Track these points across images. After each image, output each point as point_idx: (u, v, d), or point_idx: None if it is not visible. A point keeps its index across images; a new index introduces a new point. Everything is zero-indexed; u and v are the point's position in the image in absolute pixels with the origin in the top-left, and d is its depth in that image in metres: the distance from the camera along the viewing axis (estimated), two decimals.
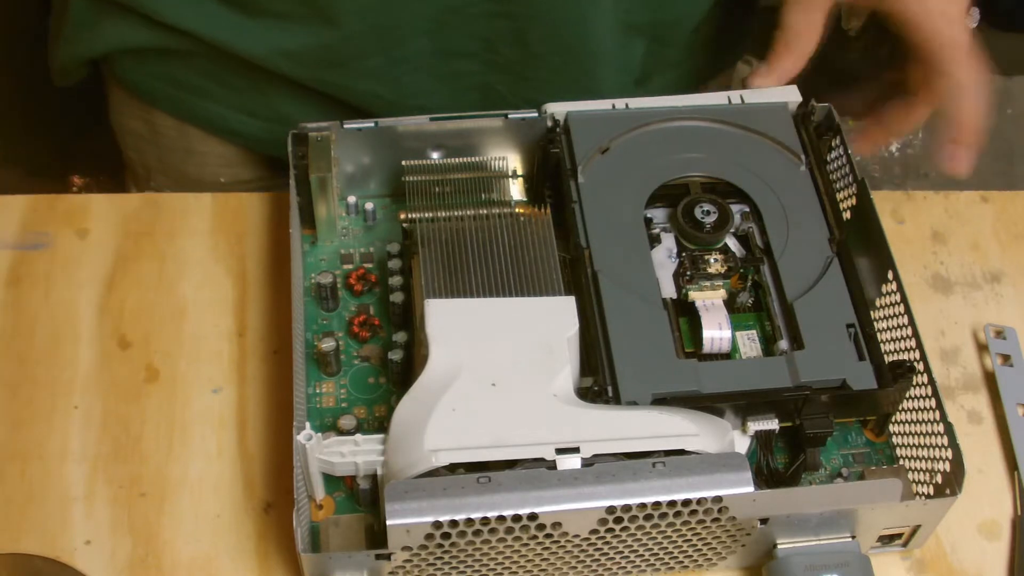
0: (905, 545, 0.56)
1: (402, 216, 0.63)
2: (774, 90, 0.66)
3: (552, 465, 0.50)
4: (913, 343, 0.57)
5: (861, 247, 0.61)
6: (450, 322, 0.55)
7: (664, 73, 0.75)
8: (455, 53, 0.68)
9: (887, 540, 0.56)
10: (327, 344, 0.59)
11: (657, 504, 0.49)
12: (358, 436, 0.54)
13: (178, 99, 0.74)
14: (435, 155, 0.65)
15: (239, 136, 0.75)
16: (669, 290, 0.60)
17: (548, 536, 0.49)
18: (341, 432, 0.58)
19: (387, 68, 0.68)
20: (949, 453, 0.54)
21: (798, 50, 0.64)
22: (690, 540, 0.52)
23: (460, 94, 0.71)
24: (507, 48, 0.68)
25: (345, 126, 0.63)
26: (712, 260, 0.60)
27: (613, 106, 0.65)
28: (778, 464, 0.58)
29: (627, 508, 0.49)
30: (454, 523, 0.48)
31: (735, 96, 0.65)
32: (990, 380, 0.64)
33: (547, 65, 0.67)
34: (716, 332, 0.58)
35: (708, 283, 0.60)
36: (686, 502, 0.49)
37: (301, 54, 0.68)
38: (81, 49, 0.73)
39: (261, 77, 0.69)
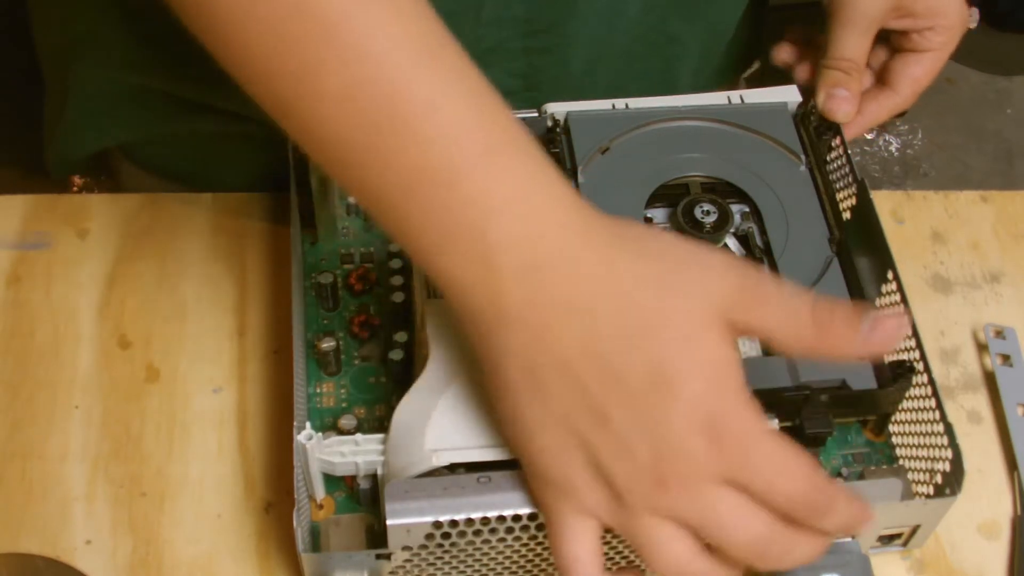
0: (905, 545, 0.56)
1: None
2: (774, 90, 0.66)
3: None
4: (913, 343, 0.57)
5: (861, 247, 0.61)
6: (450, 322, 0.55)
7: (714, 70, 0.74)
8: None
9: (887, 540, 0.56)
10: (327, 344, 0.59)
11: None
12: (358, 436, 0.54)
13: (206, 174, 0.70)
14: None
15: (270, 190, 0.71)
16: None
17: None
18: (341, 432, 0.58)
19: None
20: (949, 453, 0.54)
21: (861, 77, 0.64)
22: None
23: None
24: (549, 80, 0.66)
25: None
26: None
27: (613, 106, 0.65)
28: None
29: None
30: (454, 523, 0.48)
31: (735, 96, 0.65)
32: (990, 380, 0.64)
33: (594, 84, 0.65)
34: None
35: None
36: None
37: None
38: (94, 138, 0.67)
39: None
